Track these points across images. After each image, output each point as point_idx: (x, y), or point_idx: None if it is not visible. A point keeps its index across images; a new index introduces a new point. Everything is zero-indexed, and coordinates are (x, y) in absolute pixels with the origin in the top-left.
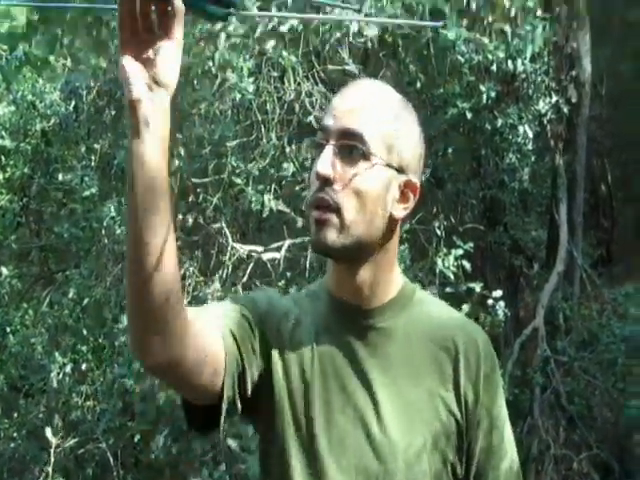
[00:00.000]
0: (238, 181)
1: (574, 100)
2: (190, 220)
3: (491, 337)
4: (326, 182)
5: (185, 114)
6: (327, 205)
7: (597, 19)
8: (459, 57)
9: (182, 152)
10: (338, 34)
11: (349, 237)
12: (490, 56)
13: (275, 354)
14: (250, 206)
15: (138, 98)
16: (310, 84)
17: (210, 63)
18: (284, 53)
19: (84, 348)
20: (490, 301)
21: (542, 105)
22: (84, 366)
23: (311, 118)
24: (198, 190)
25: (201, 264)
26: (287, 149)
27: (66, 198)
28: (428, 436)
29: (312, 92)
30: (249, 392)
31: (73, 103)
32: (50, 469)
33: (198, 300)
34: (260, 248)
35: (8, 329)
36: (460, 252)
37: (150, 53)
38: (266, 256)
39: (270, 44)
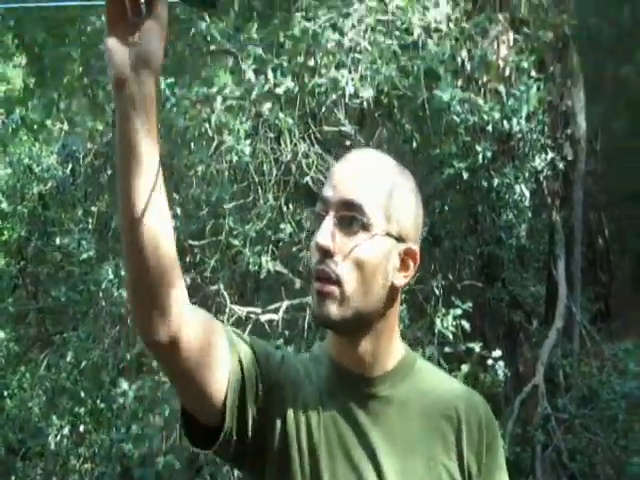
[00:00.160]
0: (235, 242)
1: (570, 158)
2: (188, 281)
3: (491, 396)
4: (326, 254)
5: (182, 175)
6: (328, 277)
7: (590, 76)
8: (454, 117)
9: (179, 213)
10: (334, 95)
11: (350, 309)
12: (486, 117)
13: (281, 412)
14: (248, 267)
15: (123, 78)
16: (306, 145)
17: (207, 125)
18: (280, 115)
19: (82, 411)
20: (490, 361)
21: (538, 162)
22: (82, 429)
23: (308, 179)
24: (195, 251)
25: None
26: (284, 210)
27: (63, 260)
28: None
29: (308, 153)
30: (249, 434)
31: (70, 166)
32: None
33: None
34: (258, 310)
35: (5, 392)
36: (459, 312)
37: (136, 36)
38: (264, 317)
39: (266, 106)
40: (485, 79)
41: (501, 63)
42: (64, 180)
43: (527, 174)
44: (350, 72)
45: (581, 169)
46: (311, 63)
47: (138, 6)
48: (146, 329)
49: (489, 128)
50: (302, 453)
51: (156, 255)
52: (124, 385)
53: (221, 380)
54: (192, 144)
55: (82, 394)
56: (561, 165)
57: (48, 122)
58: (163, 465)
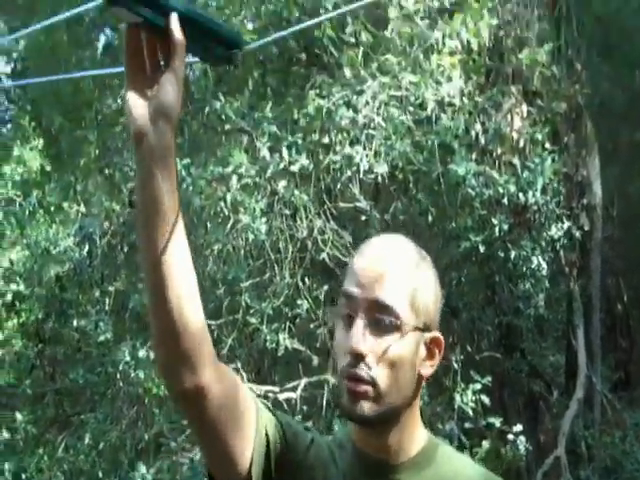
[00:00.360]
0: (252, 320)
1: (586, 228)
2: None
3: (512, 469)
4: (359, 357)
5: (198, 254)
6: (361, 378)
7: (605, 143)
8: (470, 191)
9: None
10: (349, 172)
11: (383, 406)
12: (501, 189)
13: None
14: (265, 345)
15: (142, 131)
16: (322, 221)
17: (222, 204)
18: (296, 192)
19: None
20: (510, 436)
21: (554, 231)
22: None
23: (324, 255)
24: (212, 329)
25: None
26: (301, 286)
27: (81, 342)
28: None
29: (324, 229)
30: None
31: (87, 248)
32: None
33: None
34: (276, 388)
35: (23, 475)
36: (478, 386)
37: (154, 89)
38: (282, 396)
39: (282, 184)
40: (499, 152)
41: (515, 135)
42: (81, 262)
43: (544, 243)
44: (364, 148)
45: (598, 237)
46: (326, 140)
47: (157, 61)
48: (172, 379)
49: (505, 201)
50: None
51: (180, 309)
52: (142, 469)
53: (247, 441)
54: (208, 223)
55: (100, 476)
56: (577, 234)
57: (65, 204)
58: None
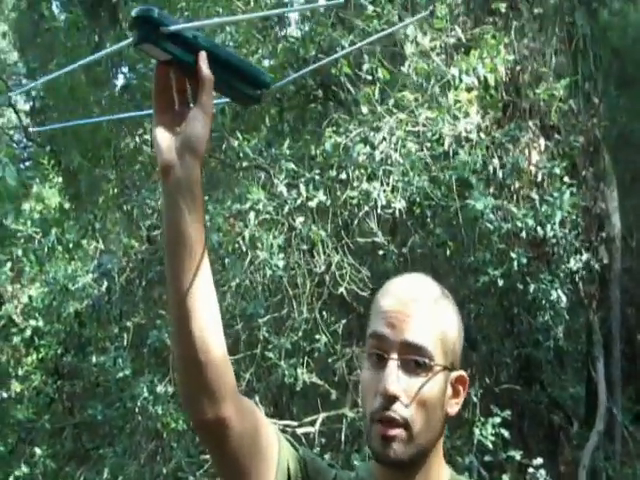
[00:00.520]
0: (271, 355)
1: (605, 260)
2: None
3: None
4: (393, 399)
5: (216, 289)
6: (393, 420)
7: (623, 174)
8: (488, 225)
9: None
10: (366, 207)
11: (415, 448)
12: (519, 223)
13: None
14: (283, 379)
15: (169, 164)
16: (340, 256)
17: (240, 240)
18: (313, 227)
19: None
20: (531, 469)
21: (573, 263)
22: None
23: (342, 289)
24: (231, 363)
25: None
26: (319, 321)
27: (99, 377)
28: None
29: (342, 264)
30: None
31: (105, 284)
32: None
33: None
34: (294, 423)
35: None
36: (498, 420)
37: (183, 125)
38: (300, 430)
39: (299, 219)
40: (517, 186)
41: (533, 169)
42: (99, 298)
43: (562, 275)
44: (382, 184)
45: (617, 269)
46: (343, 176)
47: (185, 98)
48: (194, 410)
49: (523, 234)
50: None
51: (204, 341)
52: None
53: (268, 473)
54: (226, 259)
55: None
56: (597, 266)
57: (83, 241)
58: None
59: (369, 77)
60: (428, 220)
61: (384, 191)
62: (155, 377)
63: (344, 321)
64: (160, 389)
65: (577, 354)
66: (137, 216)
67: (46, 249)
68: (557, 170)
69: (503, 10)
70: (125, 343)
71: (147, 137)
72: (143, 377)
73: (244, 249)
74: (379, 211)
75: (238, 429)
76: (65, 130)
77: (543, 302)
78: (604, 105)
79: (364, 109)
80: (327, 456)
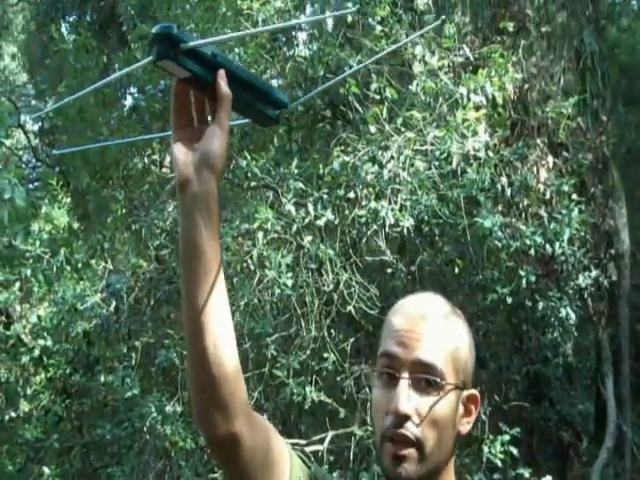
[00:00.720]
0: (279, 374)
1: (614, 277)
2: None
3: None
4: (405, 418)
5: None
6: (405, 440)
7: (632, 190)
8: (496, 243)
9: None
10: (374, 226)
11: (427, 467)
12: (528, 241)
13: None
14: (292, 398)
15: (187, 179)
16: (348, 274)
17: (249, 259)
18: (321, 246)
19: None
20: None
21: (582, 280)
22: None
23: (350, 308)
24: None
25: None
26: (327, 339)
27: (108, 396)
28: None
29: (350, 282)
30: None
31: (114, 304)
32: None
33: None
34: (303, 441)
35: None
36: (507, 438)
37: (201, 141)
38: (309, 448)
39: (307, 238)
40: (526, 203)
41: (541, 187)
42: (108, 318)
43: (571, 292)
44: (390, 203)
45: (626, 285)
46: (351, 195)
47: (204, 114)
48: (206, 424)
49: (532, 252)
50: None
51: (218, 356)
52: None
53: None
54: (235, 278)
55: None
56: (605, 282)
57: (92, 261)
58: None
59: (377, 96)
60: (436, 238)
61: (392, 210)
62: (163, 396)
63: (352, 339)
64: (168, 408)
65: (586, 371)
66: (145, 236)
67: (55, 269)
68: (565, 187)
69: (511, 29)
70: (133, 362)
71: (155, 157)
72: (151, 396)
73: (252, 268)
74: (387, 230)
75: (250, 444)
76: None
77: (552, 319)
78: (612, 122)
79: (372, 128)
80: (335, 474)
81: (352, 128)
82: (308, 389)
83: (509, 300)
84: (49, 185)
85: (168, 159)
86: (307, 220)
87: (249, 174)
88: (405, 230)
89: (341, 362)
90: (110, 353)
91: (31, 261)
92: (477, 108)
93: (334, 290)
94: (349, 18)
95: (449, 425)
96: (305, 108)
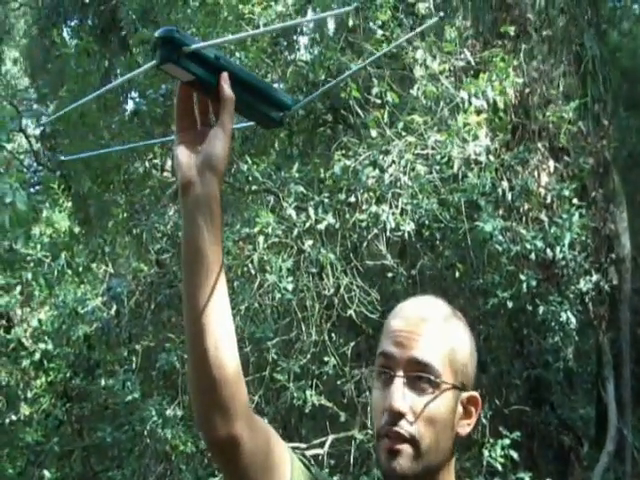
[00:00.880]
0: (280, 377)
1: (615, 282)
2: None
3: None
4: (399, 416)
5: None
6: (400, 436)
7: (633, 194)
8: (497, 247)
9: None
10: (375, 230)
11: (422, 464)
12: (528, 245)
13: None
14: (292, 402)
15: (189, 181)
16: (348, 279)
17: (249, 263)
18: (322, 250)
19: None
20: None
21: (583, 284)
22: None
23: (351, 312)
24: None
25: None
26: (327, 343)
27: (108, 400)
28: None
29: (351, 286)
30: None
31: (114, 307)
32: None
33: None
34: (303, 445)
35: None
36: (507, 441)
37: (204, 143)
38: (309, 452)
39: (308, 243)
40: (526, 208)
41: (542, 191)
42: (109, 321)
43: (572, 296)
44: (391, 207)
45: (627, 289)
46: (352, 199)
47: (207, 117)
48: (207, 427)
49: (532, 256)
50: None
51: (218, 359)
52: None
53: None
54: (235, 282)
55: None
56: (606, 287)
57: (93, 265)
58: None
59: (378, 100)
60: (437, 242)
61: (393, 214)
62: (164, 400)
63: (353, 343)
64: (169, 412)
65: (587, 375)
66: (146, 240)
67: (56, 273)
68: (566, 192)
69: (512, 33)
70: (134, 366)
71: (156, 161)
72: (152, 400)
73: (253, 272)
74: (388, 234)
75: (250, 447)
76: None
77: (552, 323)
78: (613, 126)
79: (373, 132)
80: (336, 478)
81: (353, 132)
82: (309, 393)
83: (510, 304)
84: (50, 189)
85: (169, 163)
86: (308, 224)
87: (250, 178)
88: (406, 234)
89: (342, 366)
90: (111, 357)
91: (32, 265)
92: (478, 112)
93: (335, 294)
94: (350, 22)
95: (446, 425)
96: (306, 112)
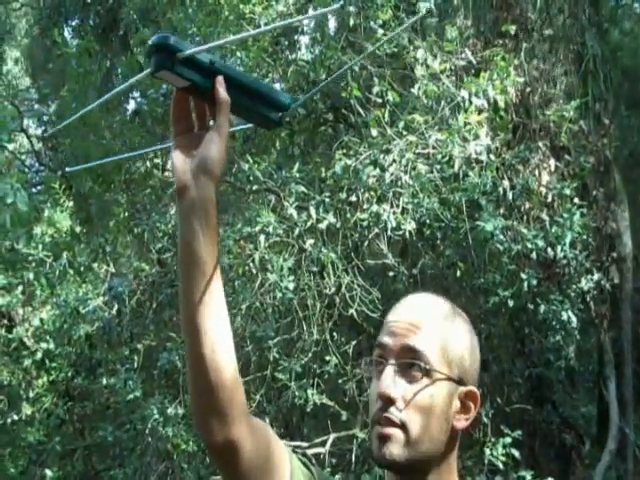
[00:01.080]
0: (281, 377)
1: (616, 280)
2: None
3: None
4: (389, 402)
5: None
6: (392, 422)
7: (634, 193)
8: (498, 246)
9: None
10: (376, 229)
11: (413, 452)
12: (529, 244)
13: None
14: (294, 401)
15: (184, 184)
16: (350, 278)
17: (250, 263)
18: (323, 249)
19: None
20: None
21: (584, 283)
22: None
23: (352, 311)
24: None
25: None
26: (329, 342)
27: (110, 399)
28: None
29: (352, 285)
30: None
31: (116, 307)
32: None
33: None
34: (305, 444)
35: None
36: (508, 440)
37: (199, 147)
38: (311, 451)
39: (309, 242)
40: (527, 207)
41: (543, 190)
42: (110, 321)
43: (573, 295)
44: (392, 206)
45: (628, 288)
46: (353, 198)
47: (205, 122)
48: (205, 430)
49: (533, 255)
50: None
51: (215, 362)
52: None
53: None
54: (236, 281)
55: None
56: (608, 286)
57: (94, 264)
58: None
59: (379, 100)
60: (438, 241)
61: (394, 213)
62: (165, 399)
63: (354, 342)
64: (170, 411)
65: (588, 374)
66: (148, 239)
67: (57, 272)
68: (567, 191)
69: (513, 32)
70: (135, 365)
71: (157, 161)
72: (153, 399)
73: (254, 272)
74: (389, 233)
75: (249, 451)
76: (76, 155)
77: (554, 322)
78: (614, 125)
79: (374, 132)
80: (338, 477)
81: (354, 131)
82: (310, 392)
83: (511, 303)
84: (52, 189)
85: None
86: (309, 223)
87: (251, 178)
88: (407, 233)
89: (343, 365)
90: (112, 356)
91: (34, 264)
92: (479, 111)
93: (336, 293)
94: (351, 21)
95: (439, 415)
96: (307, 112)
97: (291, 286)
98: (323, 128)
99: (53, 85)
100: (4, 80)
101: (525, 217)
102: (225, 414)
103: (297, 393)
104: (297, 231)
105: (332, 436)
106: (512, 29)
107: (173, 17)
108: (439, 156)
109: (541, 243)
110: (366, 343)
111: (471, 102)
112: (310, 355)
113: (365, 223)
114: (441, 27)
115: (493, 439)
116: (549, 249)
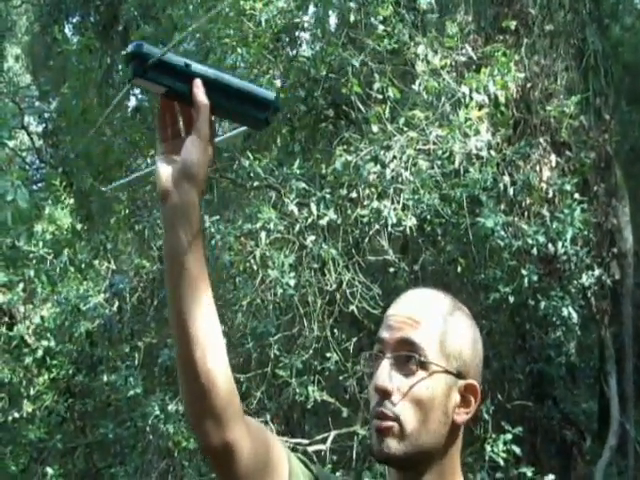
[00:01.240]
0: (282, 373)
1: (617, 276)
2: None
3: None
4: (385, 395)
5: (227, 307)
6: (387, 416)
7: (635, 188)
8: (499, 242)
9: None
10: (377, 225)
11: (411, 446)
12: (530, 240)
13: None
14: (294, 397)
15: (166, 190)
16: (351, 274)
17: (251, 259)
18: (324, 246)
19: None
20: None
21: (585, 279)
22: None
23: (353, 307)
24: (242, 382)
25: None
26: (330, 339)
27: (111, 396)
28: None
29: (353, 282)
30: None
31: (117, 304)
32: None
33: None
34: (305, 441)
35: None
36: (509, 436)
37: (181, 152)
38: (311, 448)
39: (310, 238)
40: (528, 203)
41: (544, 186)
42: (111, 318)
43: (574, 291)
44: (392, 202)
45: (629, 284)
46: (354, 195)
47: (192, 127)
48: (201, 435)
49: (534, 251)
50: None
51: (207, 368)
52: None
53: None
54: (237, 278)
55: None
56: (609, 281)
57: (95, 262)
58: None
59: (380, 96)
60: (439, 238)
61: (395, 209)
62: (166, 396)
63: (355, 339)
64: (171, 408)
65: (589, 370)
66: (148, 236)
67: (58, 270)
68: (568, 186)
69: (513, 27)
70: (136, 362)
71: None
72: (154, 396)
73: (255, 268)
74: (390, 229)
75: (246, 454)
76: (77, 152)
77: (555, 318)
78: (615, 120)
79: (375, 128)
80: (338, 474)
81: (355, 128)
82: (311, 389)
83: (512, 299)
84: (52, 186)
85: None
86: (310, 220)
87: (252, 174)
88: (407, 229)
89: (344, 361)
90: (113, 353)
91: (34, 262)
92: (480, 107)
93: (337, 290)
94: (352, 18)
95: (437, 409)
96: (308, 108)
97: (292, 282)
98: (324, 124)
99: (54, 82)
100: (5, 77)
101: (526, 213)
102: (220, 417)
103: (298, 390)
104: (298, 227)
105: (333, 433)
106: (513, 25)
107: (173, 13)
108: (440, 152)
109: (542, 239)
110: (367, 340)
111: (472, 98)
112: (311, 352)
113: (366, 219)
114: (442, 23)
115: (494, 435)
116: (550, 245)
